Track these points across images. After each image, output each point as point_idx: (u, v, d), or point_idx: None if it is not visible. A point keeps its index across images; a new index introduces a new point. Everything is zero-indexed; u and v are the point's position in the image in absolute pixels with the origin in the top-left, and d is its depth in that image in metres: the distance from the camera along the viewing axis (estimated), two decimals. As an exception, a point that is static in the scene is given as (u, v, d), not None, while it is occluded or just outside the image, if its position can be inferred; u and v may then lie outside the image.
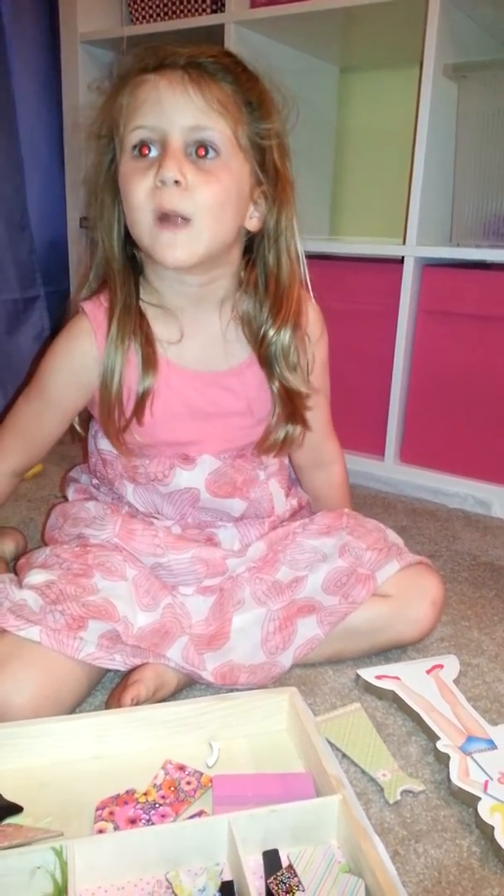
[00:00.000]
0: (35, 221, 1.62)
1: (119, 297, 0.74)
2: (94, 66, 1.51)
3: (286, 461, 0.89)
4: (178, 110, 0.66)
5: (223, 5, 1.34)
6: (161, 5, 1.43)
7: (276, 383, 0.78)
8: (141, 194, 0.67)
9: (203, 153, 0.67)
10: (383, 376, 1.30)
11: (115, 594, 0.72)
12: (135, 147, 0.68)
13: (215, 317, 0.78)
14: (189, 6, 1.40)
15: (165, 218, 0.67)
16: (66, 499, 0.91)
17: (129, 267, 0.76)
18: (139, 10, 1.46)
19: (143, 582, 0.76)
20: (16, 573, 0.80)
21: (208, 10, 1.37)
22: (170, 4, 1.42)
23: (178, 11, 1.41)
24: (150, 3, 1.44)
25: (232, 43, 1.31)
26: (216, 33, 1.32)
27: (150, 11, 1.45)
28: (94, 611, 0.70)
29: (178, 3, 1.41)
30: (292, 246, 0.75)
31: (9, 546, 0.97)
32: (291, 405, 0.80)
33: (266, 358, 0.78)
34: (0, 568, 0.90)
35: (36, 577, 0.73)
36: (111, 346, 0.74)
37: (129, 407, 0.76)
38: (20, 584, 0.73)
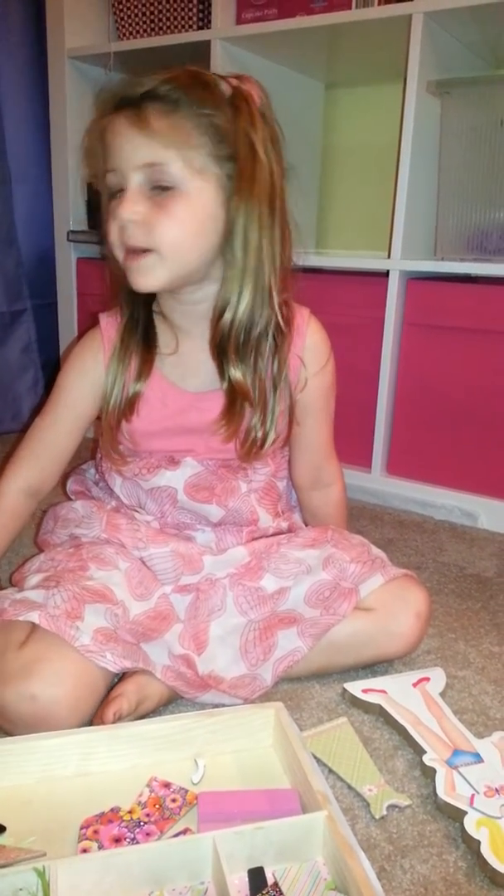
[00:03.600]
0: (22, 235, 1.63)
1: (125, 313, 0.81)
2: (81, 81, 1.52)
3: (279, 485, 0.89)
4: (128, 152, 0.70)
5: (209, 22, 1.36)
6: (148, 21, 1.44)
7: (227, 381, 0.79)
8: (114, 233, 0.73)
9: (160, 189, 0.71)
10: (370, 389, 1.31)
11: (111, 581, 0.75)
12: (111, 189, 0.73)
13: (206, 333, 0.80)
14: (175, 22, 1.41)
15: (132, 250, 0.73)
16: (64, 490, 0.95)
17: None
18: (126, 26, 1.48)
19: (136, 574, 0.78)
20: (36, 545, 0.88)
21: (195, 27, 1.38)
22: (156, 20, 1.43)
23: (164, 27, 1.42)
24: (136, 19, 1.46)
25: (218, 59, 1.32)
26: (202, 49, 1.34)
27: (137, 27, 1.46)
28: (92, 593, 0.72)
29: (164, 19, 1.42)
30: (253, 239, 0.74)
31: None
32: (236, 402, 0.78)
33: (219, 342, 0.77)
34: None
35: (33, 579, 0.76)
36: (113, 361, 0.81)
37: (117, 409, 0.81)
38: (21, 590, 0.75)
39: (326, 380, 0.86)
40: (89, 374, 0.82)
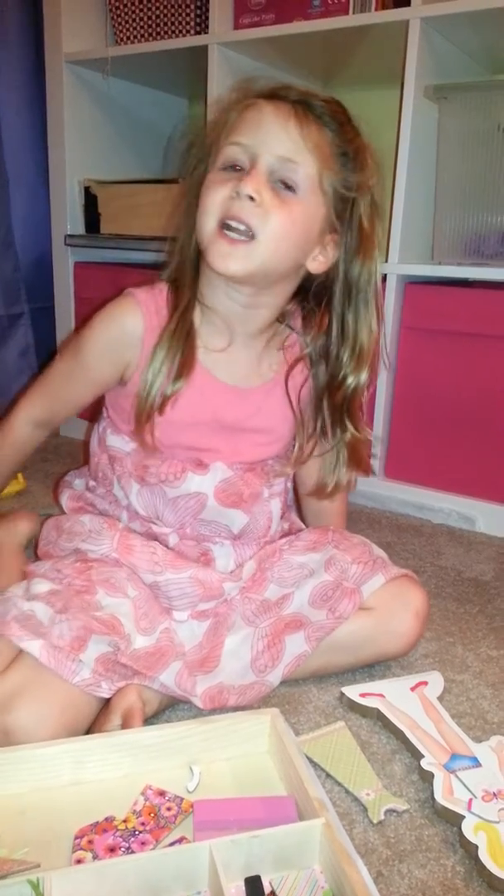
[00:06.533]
0: (20, 239, 1.63)
1: (185, 296, 0.77)
2: (78, 85, 1.52)
3: (289, 484, 0.90)
4: (273, 137, 0.70)
5: (207, 27, 1.36)
6: (145, 26, 1.44)
7: (347, 434, 0.83)
8: (215, 200, 0.71)
9: (284, 186, 0.71)
10: (367, 392, 1.31)
11: (120, 611, 0.73)
12: (226, 160, 0.72)
13: (253, 341, 0.81)
14: (173, 27, 1.41)
15: (228, 227, 0.70)
16: (59, 506, 0.91)
17: (197, 270, 0.78)
18: (124, 30, 1.48)
19: (143, 604, 0.76)
20: (36, 556, 0.83)
21: (192, 32, 1.39)
22: (154, 25, 1.43)
23: (162, 32, 1.42)
24: (134, 24, 1.46)
25: (215, 64, 1.32)
26: (200, 54, 1.34)
27: (135, 32, 1.46)
28: (102, 624, 0.70)
29: (162, 24, 1.42)
30: (372, 300, 0.78)
31: (22, 527, 0.97)
32: (356, 453, 0.84)
33: (337, 404, 0.81)
34: (16, 554, 0.89)
35: (39, 585, 0.73)
36: (160, 352, 0.76)
37: (155, 400, 0.78)
38: (27, 591, 0.73)
39: None
40: (119, 348, 0.78)
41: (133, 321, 0.78)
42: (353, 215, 0.75)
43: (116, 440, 0.83)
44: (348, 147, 0.73)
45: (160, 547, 0.80)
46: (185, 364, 0.76)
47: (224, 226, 0.70)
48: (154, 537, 0.82)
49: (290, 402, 0.82)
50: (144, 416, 0.77)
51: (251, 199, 0.69)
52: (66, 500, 0.90)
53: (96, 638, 0.69)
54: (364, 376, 0.80)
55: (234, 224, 0.70)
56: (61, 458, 1.52)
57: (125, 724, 0.66)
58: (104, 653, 0.69)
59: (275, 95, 0.72)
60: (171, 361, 0.76)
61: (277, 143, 0.70)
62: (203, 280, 0.78)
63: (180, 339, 0.76)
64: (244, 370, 0.81)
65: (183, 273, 0.78)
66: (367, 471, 0.85)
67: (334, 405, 0.82)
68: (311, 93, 0.73)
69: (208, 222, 0.71)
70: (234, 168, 0.71)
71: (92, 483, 0.89)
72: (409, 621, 0.79)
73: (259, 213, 0.69)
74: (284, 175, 0.70)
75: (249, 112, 0.72)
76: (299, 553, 0.83)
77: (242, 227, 0.70)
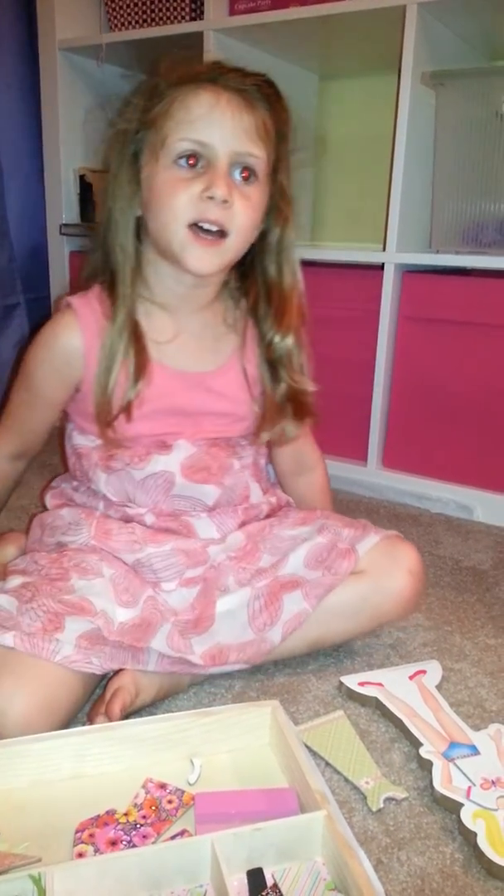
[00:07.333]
0: (15, 229, 1.61)
1: (127, 293, 0.76)
2: (72, 72, 1.51)
3: (262, 462, 0.90)
4: (230, 133, 0.71)
5: (202, 13, 1.34)
6: (140, 12, 1.43)
7: (283, 385, 0.82)
8: (182, 201, 0.71)
9: (246, 177, 0.73)
10: (365, 382, 1.30)
11: (91, 591, 0.72)
12: (181, 157, 0.71)
13: (200, 319, 0.82)
14: (168, 13, 1.39)
15: (198, 228, 0.72)
16: (45, 507, 0.91)
17: (137, 262, 0.78)
18: (118, 17, 1.46)
19: (121, 580, 0.76)
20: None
21: (187, 18, 1.37)
22: (148, 11, 1.42)
23: (157, 19, 1.41)
24: (128, 11, 1.44)
25: (211, 50, 1.31)
26: (195, 40, 1.32)
27: (129, 18, 1.44)
28: (70, 607, 0.69)
29: (156, 10, 1.41)
30: (292, 257, 0.81)
31: (9, 551, 0.95)
32: (298, 404, 0.84)
33: (272, 361, 0.82)
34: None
35: (13, 581, 0.74)
36: (109, 343, 0.76)
37: (116, 404, 0.77)
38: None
39: None
40: (63, 367, 0.78)
41: (70, 338, 0.77)
42: (277, 179, 0.78)
43: (82, 439, 0.83)
44: (282, 125, 0.76)
45: (139, 526, 0.80)
46: (140, 365, 0.76)
47: (193, 226, 0.72)
48: (130, 520, 0.82)
49: (248, 382, 0.83)
50: (105, 421, 0.77)
51: (224, 201, 0.70)
52: (49, 499, 0.90)
53: (74, 618, 0.69)
54: (289, 339, 0.81)
55: (206, 226, 0.72)
56: (57, 449, 1.51)
57: (108, 704, 0.66)
58: (88, 629, 0.69)
59: (214, 81, 0.72)
60: (126, 365, 0.76)
61: (234, 138, 0.71)
62: (148, 269, 0.78)
63: (130, 340, 0.76)
64: (195, 353, 0.81)
65: (121, 268, 0.77)
66: (313, 417, 0.86)
67: (269, 362, 0.83)
68: (246, 74, 0.74)
69: (178, 226, 0.72)
70: (188, 162, 0.71)
71: (75, 483, 0.89)
72: (403, 578, 0.79)
73: (229, 213, 0.72)
74: (248, 166, 0.72)
75: (197, 104, 0.70)
76: (289, 528, 0.83)
77: (215, 229, 0.72)
